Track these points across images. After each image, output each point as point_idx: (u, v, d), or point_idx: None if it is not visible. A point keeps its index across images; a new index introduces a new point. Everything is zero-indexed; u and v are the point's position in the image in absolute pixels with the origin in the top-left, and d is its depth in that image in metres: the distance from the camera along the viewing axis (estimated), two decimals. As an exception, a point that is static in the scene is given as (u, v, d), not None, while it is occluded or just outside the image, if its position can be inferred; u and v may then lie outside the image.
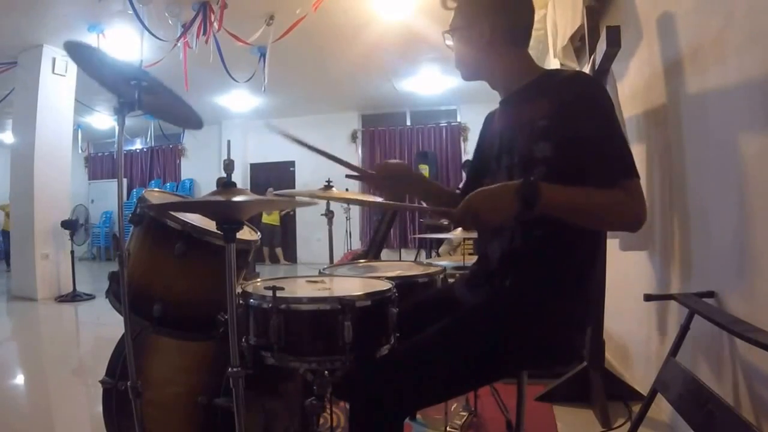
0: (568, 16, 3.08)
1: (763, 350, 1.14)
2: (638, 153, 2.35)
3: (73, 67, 5.70)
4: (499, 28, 1.14)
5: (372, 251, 4.10)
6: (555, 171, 1.04)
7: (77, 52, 1.29)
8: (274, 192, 2.24)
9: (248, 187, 9.35)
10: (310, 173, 8.95)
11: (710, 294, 1.60)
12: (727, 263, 1.54)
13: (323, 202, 2.37)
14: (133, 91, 1.30)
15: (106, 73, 1.36)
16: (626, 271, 2.51)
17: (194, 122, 1.43)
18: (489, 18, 1.14)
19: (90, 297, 5.58)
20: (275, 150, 9.60)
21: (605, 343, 2.27)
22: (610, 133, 1.01)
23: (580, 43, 3.00)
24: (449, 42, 1.24)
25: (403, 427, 1.05)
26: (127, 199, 9.07)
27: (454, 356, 1.06)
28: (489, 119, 1.34)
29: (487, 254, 1.21)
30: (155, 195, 1.71)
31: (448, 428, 1.93)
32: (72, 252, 5.76)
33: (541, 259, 1.09)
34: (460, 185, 1.52)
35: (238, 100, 7.92)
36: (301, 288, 1.37)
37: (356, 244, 8.17)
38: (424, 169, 8.33)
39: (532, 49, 1.24)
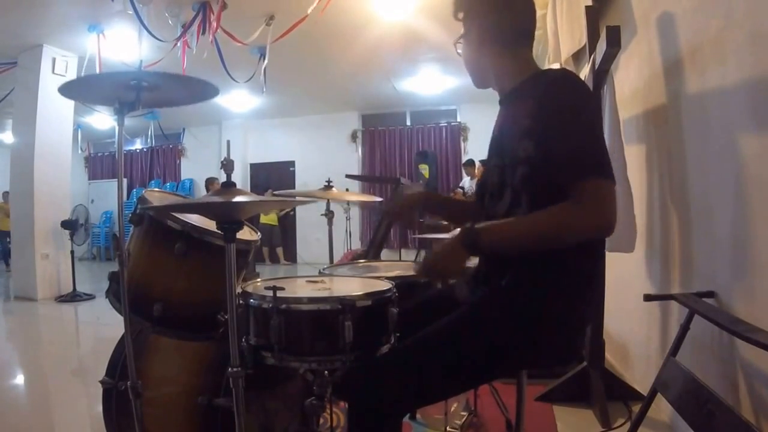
0: (567, 32, 3.07)
1: (763, 350, 1.14)
2: (638, 153, 2.35)
3: (73, 67, 5.71)
4: (494, 28, 1.15)
5: (372, 251, 4.10)
6: (537, 170, 1.04)
7: (73, 90, 1.30)
8: (274, 192, 2.24)
9: (248, 187, 9.36)
10: (310, 173, 8.96)
11: (710, 294, 1.60)
12: (727, 263, 1.54)
13: (323, 202, 2.37)
14: (133, 92, 1.30)
15: (104, 91, 1.37)
16: (626, 271, 2.51)
17: (209, 91, 1.41)
18: (484, 17, 1.16)
19: (90, 297, 5.58)
20: (275, 150, 9.61)
21: (605, 343, 2.27)
22: (577, 132, 0.99)
23: (579, 47, 3.00)
24: (460, 51, 1.26)
25: (401, 427, 1.05)
26: (127, 199, 9.06)
27: (452, 355, 1.06)
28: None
29: (487, 255, 1.21)
30: (155, 195, 1.71)
31: (448, 428, 1.93)
32: (72, 252, 5.76)
33: (539, 260, 1.09)
34: (461, 183, 1.55)
35: (238, 100, 7.92)
36: (301, 288, 1.37)
37: (356, 244, 8.16)
38: (424, 169, 8.33)
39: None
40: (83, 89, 1.43)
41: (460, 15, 1.23)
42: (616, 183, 0.98)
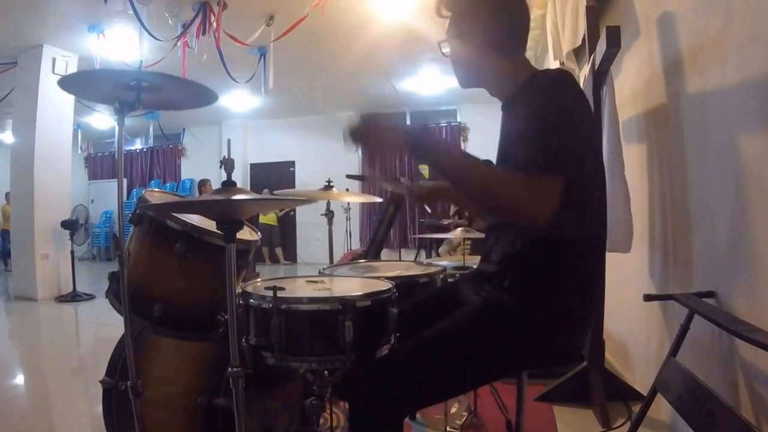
0: (570, 30, 3.07)
1: (763, 350, 1.14)
2: (638, 153, 2.35)
3: (73, 67, 5.70)
4: (493, 33, 1.14)
5: (372, 251, 4.10)
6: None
7: (72, 84, 1.30)
8: (273, 192, 2.24)
9: (248, 187, 9.36)
10: (310, 173, 8.95)
11: (710, 294, 1.60)
12: (727, 263, 1.54)
13: (323, 202, 2.37)
14: (134, 92, 1.30)
15: (104, 89, 1.37)
16: (626, 271, 2.51)
17: (208, 97, 1.41)
18: (482, 23, 1.14)
19: (90, 297, 5.59)
20: (275, 150, 9.61)
21: (605, 343, 2.27)
22: (544, 126, 0.98)
23: (579, 43, 3.00)
24: (446, 50, 1.24)
25: (402, 427, 1.05)
26: (127, 199, 9.07)
27: (453, 356, 1.06)
28: None
29: (490, 255, 1.21)
30: (155, 195, 1.71)
31: (448, 428, 1.93)
32: (72, 252, 5.76)
33: (541, 261, 1.09)
34: None
35: (238, 100, 7.92)
36: (301, 288, 1.37)
37: (356, 244, 8.16)
38: (424, 169, 8.32)
39: (530, 50, 1.24)
40: (83, 84, 1.42)
41: (446, 12, 1.21)
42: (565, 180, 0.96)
